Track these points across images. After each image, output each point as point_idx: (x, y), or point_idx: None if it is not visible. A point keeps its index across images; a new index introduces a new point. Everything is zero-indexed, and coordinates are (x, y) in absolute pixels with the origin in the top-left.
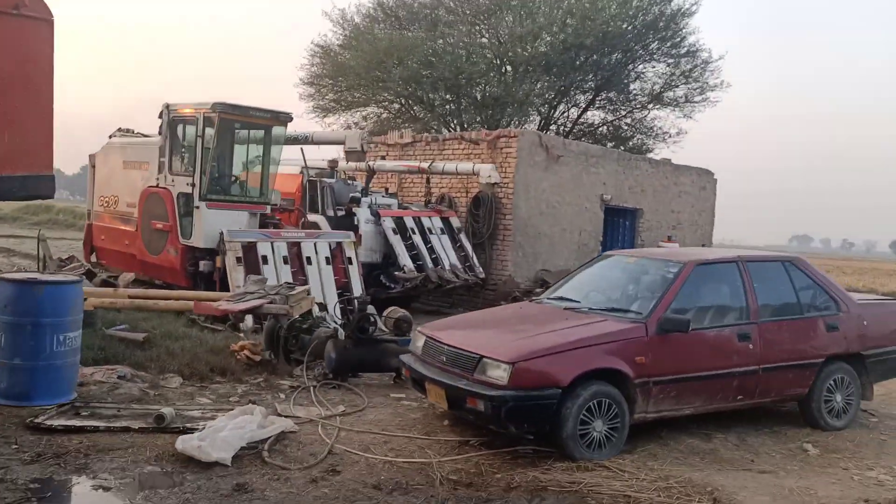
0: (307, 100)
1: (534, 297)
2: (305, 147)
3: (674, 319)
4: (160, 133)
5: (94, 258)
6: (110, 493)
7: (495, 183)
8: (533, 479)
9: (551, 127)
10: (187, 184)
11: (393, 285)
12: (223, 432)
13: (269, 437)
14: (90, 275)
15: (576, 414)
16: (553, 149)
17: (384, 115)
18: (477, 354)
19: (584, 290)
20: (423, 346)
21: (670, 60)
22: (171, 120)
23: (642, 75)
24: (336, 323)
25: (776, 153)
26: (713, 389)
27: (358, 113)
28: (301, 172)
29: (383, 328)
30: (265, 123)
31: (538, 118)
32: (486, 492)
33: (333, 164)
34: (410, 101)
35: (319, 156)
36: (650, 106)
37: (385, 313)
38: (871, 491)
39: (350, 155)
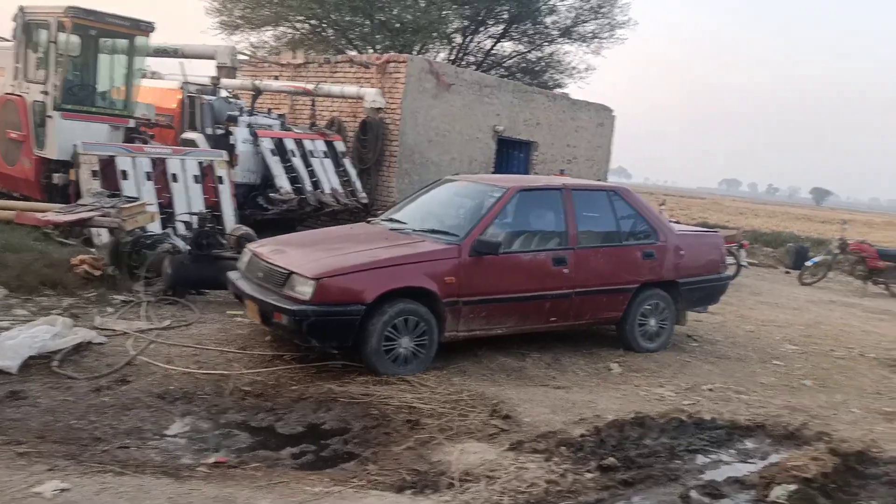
0: (213, 14)
1: (370, 219)
2: (201, 63)
3: (485, 242)
4: (14, 37)
5: None
6: None
7: (380, 108)
8: (327, 390)
9: (467, 57)
10: (41, 92)
11: (269, 207)
12: (12, 340)
13: (65, 348)
14: None
15: (380, 330)
16: (444, 76)
17: (296, 36)
18: (287, 270)
19: (417, 212)
20: (246, 263)
21: None
22: (26, 24)
23: (556, 9)
24: (179, 239)
25: (711, 97)
26: (525, 311)
27: (268, 32)
28: (181, 88)
29: (228, 245)
30: (126, 32)
31: (450, 48)
32: (274, 402)
33: (215, 80)
34: (324, 23)
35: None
36: (560, 40)
37: (229, 231)
38: (649, 405)
39: (221, 70)
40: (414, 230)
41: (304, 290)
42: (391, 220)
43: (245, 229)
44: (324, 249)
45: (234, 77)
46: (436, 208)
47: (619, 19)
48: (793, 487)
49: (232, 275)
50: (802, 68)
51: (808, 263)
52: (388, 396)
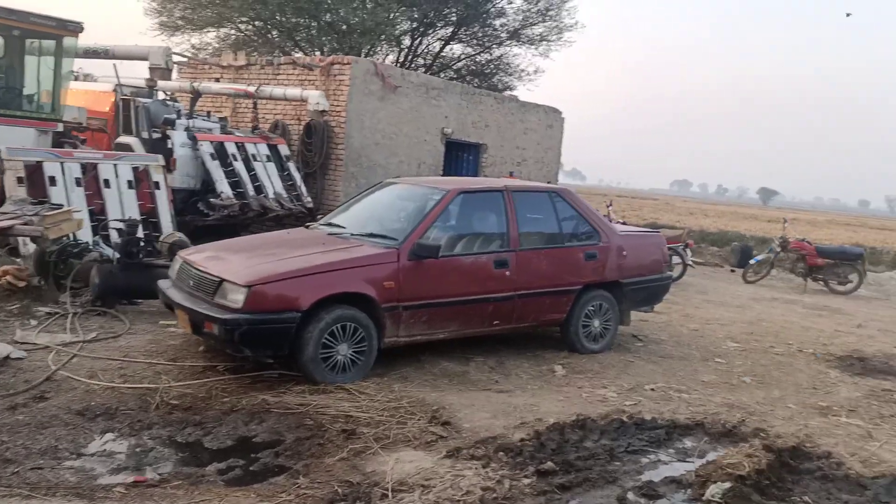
0: (153, 15)
1: (309, 223)
2: (139, 64)
3: (425, 245)
4: None
5: None
6: None
7: (324, 111)
8: (261, 401)
9: (417, 60)
10: None
11: (210, 213)
12: None
13: None
14: None
15: (317, 338)
16: (390, 78)
17: (240, 38)
18: (218, 278)
19: (356, 216)
20: (177, 271)
21: None
22: None
23: (504, 11)
24: (108, 247)
25: (662, 100)
26: (468, 314)
27: (211, 33)
28: (114, 90)
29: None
30: (53, 32)
31: (398, 50)
32: (203, 415)
33: (151, 82)
34: (269, 25)
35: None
36: (509, 42)
37: (161, 238)
38: (591, 406)
39: (154, 72)
40: (352, 234)
41: (236, 297)
42: (329, 224)
43: (178, 236)
44: (257, 256)
45: (168, 79)
46: (375, 212)
47: (567, 22)
48: (727, 485)
49: (162, 283)
50: (750, 70)
51: (752, 262)
52: (324, 406)
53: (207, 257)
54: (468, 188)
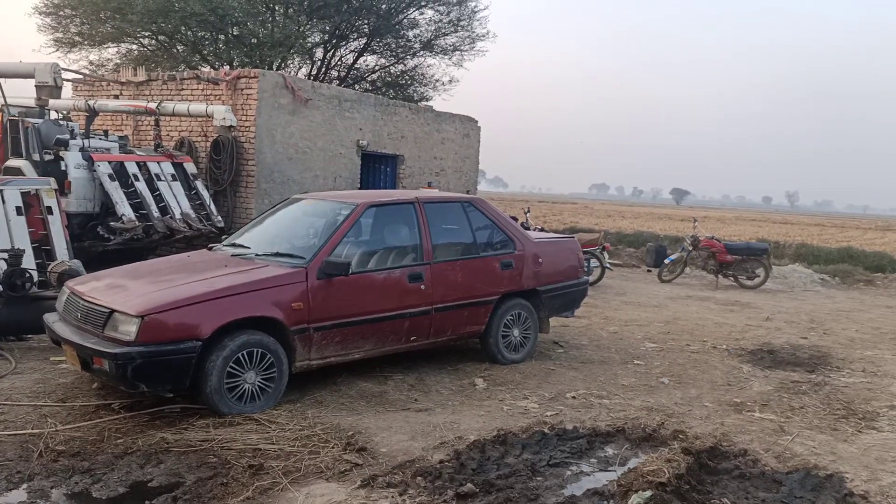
0: (47, 31)
1: (211, 245)
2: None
3: (334, 263)
4: None
5: None
6: None
7: (231, 126)
8: (160, 440)
9: (331, 72)
10: None
11: (111, 237)
12: None
13: None
14: None
15: (221, 367)
16: (300, 91)
17: (144, 53)
18: (108, 308)
19: (262, 236)
20: (64, 303)
21: (440, 7)
22: None
23: (417, 23)
24: None
25: (581, 109)
26: (383, 332)
27: (111, 49)
28: (1, 111)
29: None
30: None
31: (311, 63)
32: (92, 461)
33: (42, 101)
34: (173, 39)
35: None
36: (422, 53)
37: (49, 267)
38: (512, 420)
39: (41, 90)
40: (257, 255)
41: (128, 329)
42: (233, 245)
43: (68, 264)
44: (152, 282)
45: (57, 97)
46: (282, 230)
47: (479, 32)
48: (648, 494)
49: (49, 317)
50: (657, 78)
51: (666, 261)
52: (230, 440)
53: (97, 287)
54: (378, 201)
